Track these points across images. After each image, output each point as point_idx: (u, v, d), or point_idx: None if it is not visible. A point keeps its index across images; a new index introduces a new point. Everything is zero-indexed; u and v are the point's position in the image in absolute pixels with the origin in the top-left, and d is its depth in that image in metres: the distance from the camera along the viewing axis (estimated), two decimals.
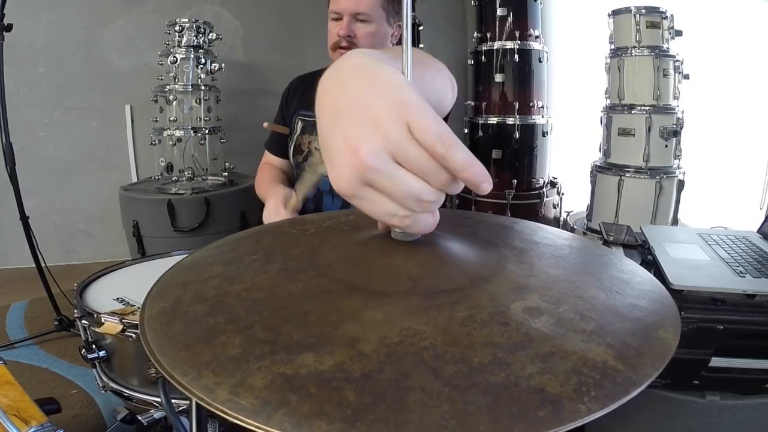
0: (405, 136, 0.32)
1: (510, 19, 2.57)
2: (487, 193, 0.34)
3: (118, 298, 1.02)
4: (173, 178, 2.56)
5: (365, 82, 0.35)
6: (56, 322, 1.93)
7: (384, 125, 0.32)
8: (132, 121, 2.95)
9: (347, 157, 0.33)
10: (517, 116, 2.60)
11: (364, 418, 0.24)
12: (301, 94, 1.34)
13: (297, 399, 0.25)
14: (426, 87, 0.54)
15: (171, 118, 2.49)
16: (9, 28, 1.79)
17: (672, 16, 2.19)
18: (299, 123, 1.31)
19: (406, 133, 0.32)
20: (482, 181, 0.33)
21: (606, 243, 1.30)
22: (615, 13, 2.27)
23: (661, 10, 2.17)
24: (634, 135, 2.23)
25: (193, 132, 2.52)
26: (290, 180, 1.36)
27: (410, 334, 0.30)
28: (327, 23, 1.24)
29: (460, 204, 2.77)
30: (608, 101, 2.35)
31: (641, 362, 0.29)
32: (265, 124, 1.36)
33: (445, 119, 0.77)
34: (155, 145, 2.55)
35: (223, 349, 0.30)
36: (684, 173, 2.25)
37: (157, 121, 2.56)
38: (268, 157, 1.44)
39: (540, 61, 2.64)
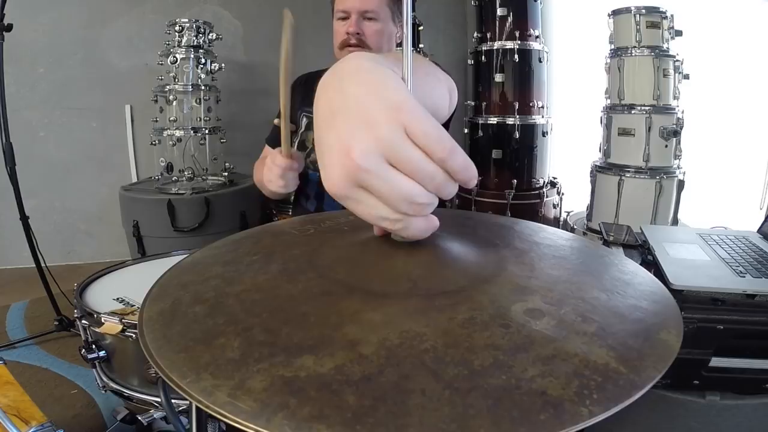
0: (399, 138, 0.32)
1: (510, 19, 2.57)
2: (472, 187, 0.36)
3: (118, 298, 1.02)
4: (173, 178, 2.56)
5: (361, 84, 0.34)
6: (56, 322, 1.93)
7: (378, 126, 0.32)
8: (132, 121, 2.95)
9: (339, 157, 0.32)
10: (517, 116, 2.59)
11: (364, 421, 0.24)
12: (305, 92, 1.35)
13: (296, 402, 0.25)
14: (425, 95, 0.54)
15: (171, 118, 2.48)
16: (9, 28, 1.79)
17: (672, 16, 2.18)
18: (304, 119, 1.31)
19: (401, 134, 0.32)
20: (474, 177, 0.35)
21: (606, 243, 1.30)
22: (615, 13, 2.27)
23: (661, 10, 2.17)
24: (634, 135, 2.23)
25: (193, 132, 2.52)
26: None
27: (410, 336, 0.30)
28: (327, 23, 1.24)
29: (460, 204, 2.77)
30: (608, 101, 2.35)
31: (643, 364, 0.29)
32: (276, 121, 1.36)
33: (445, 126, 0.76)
34: (155, 145, 2.55)
35: (222, 351, 0.30)
36: (684, 173, 2.24)
37: (157, 121, 2.56)
38: (267, 152, 1.44)
39: (540, 61, 2.64)
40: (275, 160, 1.02)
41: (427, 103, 0.56)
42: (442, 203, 0.41)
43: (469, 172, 0.33)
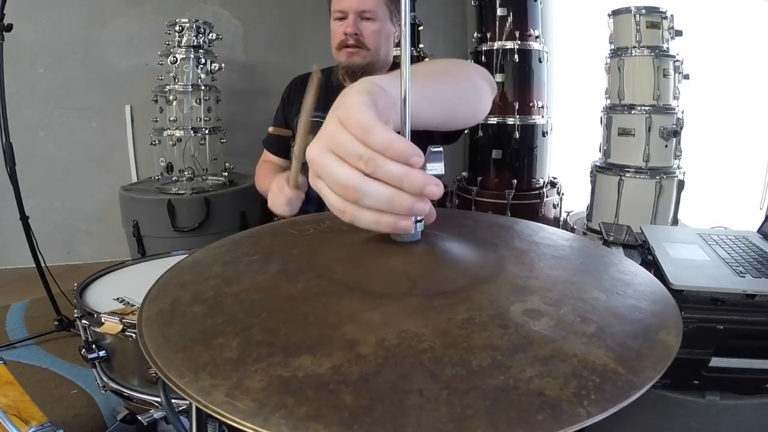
0: (335, 128, 0.37)
1: (510, 19, 2.57)
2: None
3: (118, 298, 1.02)
4: (173, 178, 2.56)
5: (334, 109, 0.39)
6: (56, 322, 1.93)
7: (326, 125, 0.38)
8: (132, 121, 2.95)
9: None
10: (517, 116, 2.59)
11: (362, 421, 0.24)
12: (302, 95, 1.34)
13: (294, 402, 0.25)
14: (445, 95, 0.58)
15: (171, 118, 2.48)
16: (9, 28, 1.79)
17: (672, 16, 2.18)
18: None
19: (337, 125, 0.37)
20: (409, 155, 0.35)
21: (606, 243, 1.30)
22: (615, 13, 2.27)
23: (661, 10, 2.17)
24: (634, 135, 2.23)
25: (193, 132, 2.52)
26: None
27: (409, 337, 0.30)
28: (327, 23, 1.24)
29: (460, 204, 2.77)
30: (608, 101, 2.35)
31: (642, 365, 0.29)
32: (271, 129, 1.36)
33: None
34: (155, 145, 2.55)
35: (220, 351, 0.30)
36: (684, 173, 2.24)
37: (157, 121, 2.56)
38: (267, 156, 1.44)
39: (540, 61, 2.64)
40: (283, 190, 1.06)
41: (454, 102, 0.60)
42: (441, 203, 0.41)
43: (392, 148, 0.35)
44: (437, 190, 0.36)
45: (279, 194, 1.07)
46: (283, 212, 1.09)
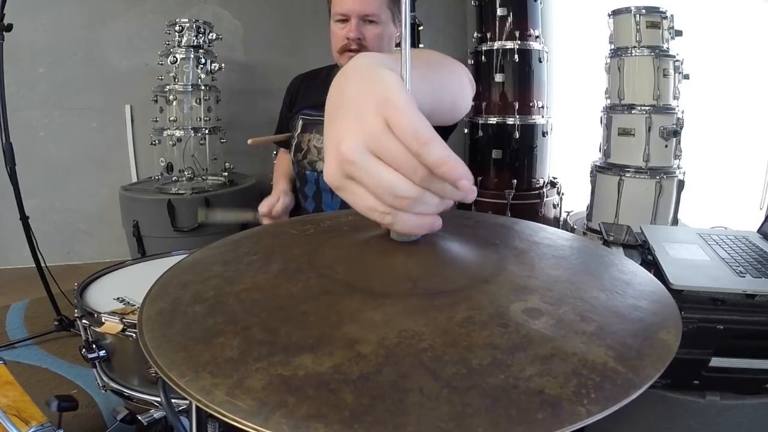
0: (382, 131, 0.33)
1: (510, 19, 2.57)
2: (469, 194, 0.34)
3: (118, 298, 1.02)
4: (173, 178, 2.56)
5: (360, 82, 0.36)
6: (56, 322, 1.93)
7: (365, 120, 0.34)
8: (132, 121, 2.95)
9: (333, 149, 0.35)
10: (517, 116, 2.59)
11: (362, 419, 0.24)
12: (303, 94, 1.34)
13: (295, 401, 0.25)
14: (436, 86, 0.55)
15: (171, 118, 2.49)
16: (9, 28, 1.79)
17: (672, 16, 2.18)
18: (300, 122, 1.31)
19: (383, 128, 0.33)
20: (459, 177, 0.33)
21: (606, 243, 1.30)
22: (615, 13, 2.27)
23: (661, 10, 2.17)
24: (634, 135, 2.23)
25: (193, 132, 2.52)
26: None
27: (409, 336, 0.30)
28: (326, 24, 1.23)
29: (460, 204, 2.77)
30: (608, 101, 2.35)
31: (642, 364, 0.29)
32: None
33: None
34: (155, 145, 2.55)
35: (221, 350, 0.30)
36: (684, 173, 2.24)
37: (157, 121, 2.56)
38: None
39: (540, 61, 2.64)
40: (262, 209, 1.19)
41: (441, 94, 0.57)
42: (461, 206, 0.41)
43: (446, 166, 0.32)
44: (473, 195, 0.34)
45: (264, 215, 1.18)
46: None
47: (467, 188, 0.33)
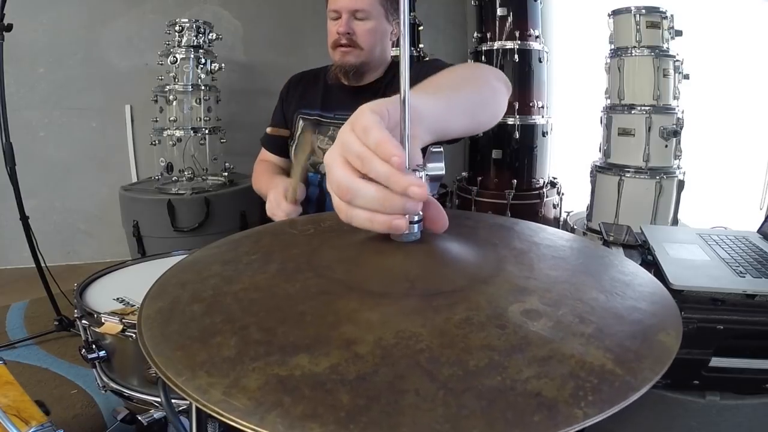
0: (345, 133, 0.40)
1: (510, 19, 2.57)
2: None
3: (118, 298, 1.02)
4: (173, 178, 2.56)
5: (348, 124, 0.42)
6: (56, 322, 1.93)
7: (342, 135, 0.41)
8: (132, 121, 2.95)
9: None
10: (517, 116, 2.59)
11: (358, 420, 0.24)
12: (301, 93, 1.34)
13: (290, 400, 0.25)
14: (471, 104, 0.60)
15: (171, 118, 2.48)
16: (9, 28, 1.79)
17: (672, 16, 2.18)
18: (300, 121, 1.31)
19: (349, 131, 0.40)
20: (390, 155, 0.37)
21: (606, 243, 1.30)
22: (615, 13, 2.27)
23: (661, 10, 2.17)
24: (634, 135, 2.23)
25: (193, 132, 2.52)
26: (287, 176, 1.36)
27: (406, 336, 0.30)
28: (327, 23, 1.24)
29: (460, 204, 2.77)
30: (608, 101, 2.35)
31: (640, 366, 0.29)
32: (269, 129, 1.37)
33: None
34: (155, 145, 2.55)
35: (218, 350, 0.30)
36: (684, 173, 2.24)
37: (157, 121, 2.56)
38: (265, 154, 1.44)
39: (540, 61, 2.64)
40: (281, 205, 1.07)
41: (479, 112, 0.63)
42: (441, 203, 0.42)
43: (381, 147, 0.37)
44: (419, 191, 0.37)
45: (277, 210, 1.08)
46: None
47: (396, 163, 0.36)
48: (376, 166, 0.37)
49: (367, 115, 0.40)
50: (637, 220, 1.87)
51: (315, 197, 1.27)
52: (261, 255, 0.46)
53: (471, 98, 0.62)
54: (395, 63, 1.29)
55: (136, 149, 2.98)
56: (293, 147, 1.33)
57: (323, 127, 1.26)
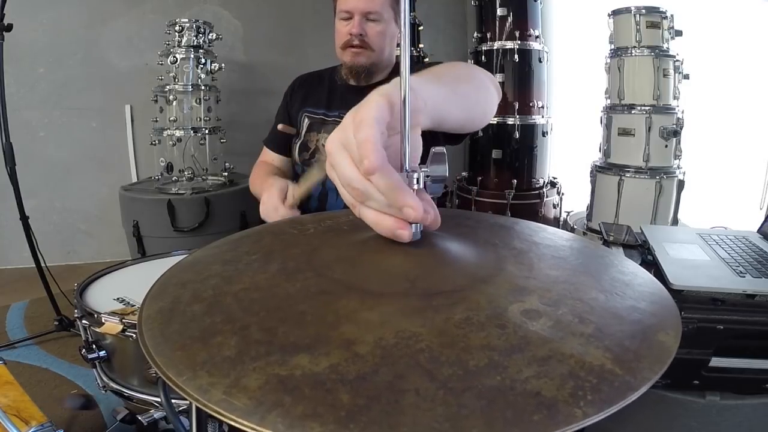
0: (349, 129, 0.40)
1: (510, 19, 2.57)
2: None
3: (118, 298, 1.02)
4: (173, 178, 2.56)
5: (353, 109, 0.43)
6: (56, 322, 1.93)
7: (346, 120, 0.41)
8: (132, 121, 2.95)
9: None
10: (517, 116, 2.59)
11: (358, 419, 0.24)
12: (305, 93, 1.35)
13: (291, 400, 0.25)
14: (465, 99, 0.61)
15: (171, 118, 2.48)
16: (9, 28, 1.79)
17: (672, 16, 2.18)
18: (306, 120, 1.31)
19: (350, 127, 0.40)
20: (366, 155, 0.37)
21: (606, 243, 1.30)
22: (615, 13, 2.27)
23: (661, 10, 2.17)
24: (634, 135, 2.23)
25: (193, 132, 2.52)
26: (287, 177, 1.36)
27: (406, 336, 0.30)
28: (327, 23, 1.24)
29: (460, 204, 2.77)
30: (608, 101, 2.35)
31: (639, 366, 0.29)
32: (280, 126, 1.37)
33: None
34: (155, 145, 2.55)
35: (218, 350, 0.30)
36: (684, 173, 2.24)
37: (157, 121, 2.56)
38: (266, 155, 1.45)
39: (540, 61, 2.64)
40: (278, 210, 1.07)
41: (473, 107, 0.64)
42: (441, 203, 0.42)
43: (363, 145, 0.37)
44: (413, 214, 0.38)
45: (273, 212, 1.08)
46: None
47: (365, 169, 0.37)
48: (375, 195, 0.39)
49: (371, 108, 0.40)
50: (637, 220, 1.87)
51: (318, 194, 1.27)
52: (261, 255, 0.46)
53: (467, 93, 0.63)
54: (399, 64, 1.29)
55: (136, 149, 2.98)
56: (296, 145, 1.33)
57: (327, 125, 1.27)
